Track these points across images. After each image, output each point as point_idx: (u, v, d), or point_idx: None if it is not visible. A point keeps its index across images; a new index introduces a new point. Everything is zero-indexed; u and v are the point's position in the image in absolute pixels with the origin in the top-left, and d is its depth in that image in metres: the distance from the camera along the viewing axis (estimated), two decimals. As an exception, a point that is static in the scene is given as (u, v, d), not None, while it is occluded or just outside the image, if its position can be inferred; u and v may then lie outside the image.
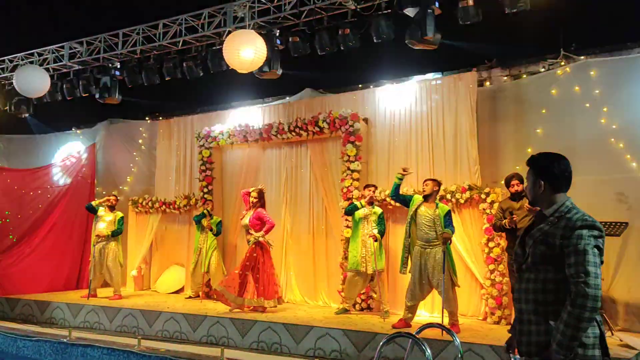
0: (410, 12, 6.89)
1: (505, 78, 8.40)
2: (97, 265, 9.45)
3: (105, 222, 9.51)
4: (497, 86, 8.31)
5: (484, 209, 7.47)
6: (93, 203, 9.85)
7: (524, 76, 8.20)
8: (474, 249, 7.65)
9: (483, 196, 7.48)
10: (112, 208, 9.64)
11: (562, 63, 7.82)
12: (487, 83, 8.41)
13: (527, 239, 2.91)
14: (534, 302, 2.81)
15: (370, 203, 7.92)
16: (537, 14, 6.78)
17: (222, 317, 7.54)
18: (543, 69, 8.07)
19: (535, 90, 7.88)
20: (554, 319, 2.72)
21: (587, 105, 7.41)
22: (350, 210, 7.92)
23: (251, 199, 8.23)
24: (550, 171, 2.90)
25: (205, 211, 9.50)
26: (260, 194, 8.27)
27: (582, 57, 7.64)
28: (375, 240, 7.71)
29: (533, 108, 7.85)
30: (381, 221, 7.88)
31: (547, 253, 2.77)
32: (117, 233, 9.55)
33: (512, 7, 6.53)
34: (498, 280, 7.23)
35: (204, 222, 9.35)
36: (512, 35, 8.02)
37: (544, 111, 7.76)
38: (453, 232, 6.88)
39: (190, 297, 9.48)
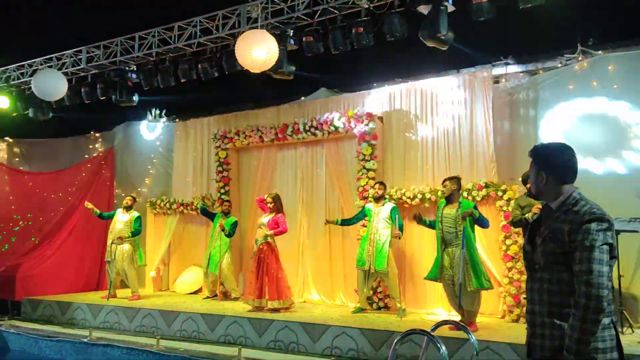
0: (423, 9, 6.86)
1: (522, 74, 8.32)
2: (113, 266, 9.53)
3: (122, 222, 9.60)
4: (514, 83, 8.24)
5: (500, 207, 7.41)
6: (104, 213, 9.94)
7: (541, 72, 8.12)
8: (490, 247, 7.60)
9: (500, 193, 7.42)
10: (128, 209, 9.71)
11: (580, 58, 7.72)
12: (503, 80, 8.34)
13: (536, 237, 2.76)
14: (548, 304, 2.66)
15: (378, 199, 7.87)
16: (553, 8, 6.69)
17: (240, 316, 7.57)
18: (560, 65, 7.98)
19: (552, 86, 7.80)
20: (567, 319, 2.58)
21: (606, 100, 7.31)
22: (357, 218, 8.07)
23: (268, 205, 8.26)
24: (553, 162, 2.73)
25: (202, 203, 9.54)
26: (275, 199, 8.26)
27: (600, 52, 7.54)
28: (399, 238, 7.68)
29: (550, 104, 7.76)
30: (392, 217, 7.70)
31: (558, 251, 2.62)
32: (136, 233, 9.62)
33: (526, 2, 6.47)
34: (516, 278, 7.16)
35: (221, 221, 9.36)
36: (528, 31, 7.94)
37: (561, 107, 7.66)
38: (475, 217, 6.70)
39: (207, 298, 9.54)
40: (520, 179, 7.06)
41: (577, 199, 2.69)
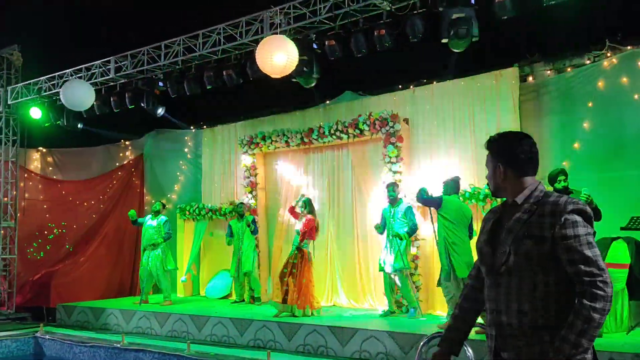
0: (445, 9, 6.81)
1: (549, 72, 8.19)
2: (145, 272, 9.67)
3: (152, 228, 9.72)
4: (541, 81, 8.12)
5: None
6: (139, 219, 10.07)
7: (569, 69, 7.98)
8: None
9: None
10: (157, 213, 9.83)
11: (608, 54, 7.57)
12: (530, 78, 8.23)
13: (503, 235, 2.39)
14: (519, 313, 2.30)
15: (393, 201, 7.80)
16: (578, 4, 6.57)
17: (269, 320, 7.61)
18: (588, 61, 7.83)
19: (580, 84, 7.66)
20: (548, 334, 2.24)
21: (636, 97, 7.16)
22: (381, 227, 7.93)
23: (300, 210, 8.28)
24: (512, 153, 2.43)
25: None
26: (306, 203, 8.27)
27: (629, 47, 7.38)
28: (400, 239, 7.64)
29: (579, 102, 7.63)
30: (407, 217, 7.68)
31: (535, 250, 2.27)
32: (168, 237, 9.76)
33: (550, -2, 6.37)
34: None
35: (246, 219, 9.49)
36: (554, 28, 7.81)
37: (590, 104, 7.53)
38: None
39: (235, 302, 9.60)
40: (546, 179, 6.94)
41: (544, 192, 2.39)
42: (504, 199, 2.52)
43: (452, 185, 7.17)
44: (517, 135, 2.52)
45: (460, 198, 7.41)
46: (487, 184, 2.59)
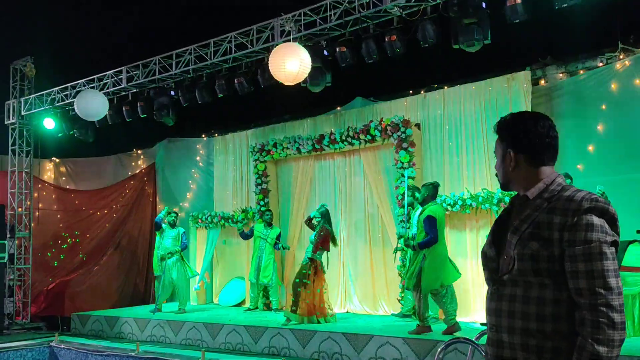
0: (456, 14, 6.80)
1: (561, 75, 8.16)
2: (165, 280, 9.66)
3: (170, 238, 9.74)
4: (553, 84, 8.08)
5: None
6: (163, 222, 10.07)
7: (581, 72, 7.94)
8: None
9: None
10: (173, 224, 9.87)
11: (621, 56, 7.53)
12: (542, 81, 8.19)
13: (508, 235, 2.00)
14: (523, 334, 1.90)
15: (404, 206, 7.48)
16: (590, 6, 6.55)
17: (283, 328, 7.60)
18: (601, 64, 7.79)
19: (593, 86, 7.62)
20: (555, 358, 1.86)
21: (650, 98, 7.11)
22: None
23: (315, 221, 8.24)
24: (526, 137, 2.02)
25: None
26: (323, 214, 8.22)
27: (642, 49, 7.34)
28: (401, 250, 7.57)
29: (592, 104, 7.58)
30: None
31: (542, 255, 1.87)
32: (184, 247, 9.83)
33: (562, 1, 6.34)
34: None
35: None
36: (565, 31, 7.77)
37: (603, 107, 7.48)
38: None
39: (249, 309, 9.58)
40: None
41: (562, 185, 1.98)
42: (515, 192, 2.14)
43: (432, 191, 6.97)
44: (533, 115, 2.11)
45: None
46: (496, 175, 2.18)
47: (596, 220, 1.84)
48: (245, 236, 9.69)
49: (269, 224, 9.47)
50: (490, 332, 2.03)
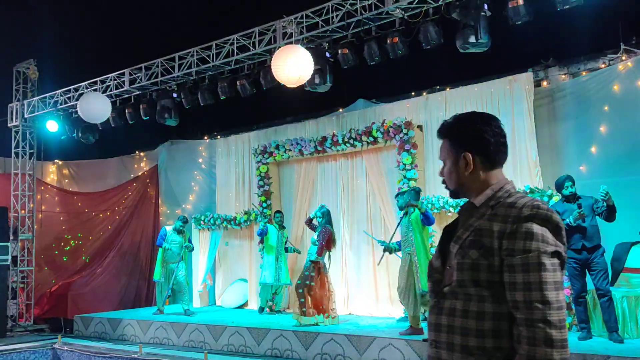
0: (458, 16, 6.80)
1: (564, 76, 8.16)
2: (167, 284, 9.63)
3: (178, 242, 9.72)
4: (555, 85, 8.09)
5: (547, 212, 7.24)
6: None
7: (583, 73, 7.95)
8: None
9: (545, 199, 7.26)
10: (180, 231, 9.82)
11: (623, 58, 7.53)
12: (545, 83, 8.20)
13: (451, 244, 1.88)
14: (463, 351, 1.76)
15: (402, 208, 7.29)
16: (592, 8, 6.55)
17: (286, 330, 7.59)
18: (603, 65, 7.79)
19: (595, 88, 7.62)
20: None
21: (652, 99, 7.11)
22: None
23: (317, 221, 8.22)
24: (482, 137, 1.88)
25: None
26: (324, 214, 8.22)
27: (644, 50, 7.34)
28: (389, 253, 7.61)
29: (594, 106, 7.58)
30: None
31: (482, 264, 1.74)
32: (192, 249, 9.90)
33: (564, 2, 6.34)
34: (566, 285, 6.97)
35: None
36: (568, 32, 7.78)
37: (606, 108, 7.48)
38: None
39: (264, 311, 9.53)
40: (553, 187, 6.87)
41: (510, 192, 1.86)
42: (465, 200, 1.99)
43: (414, 196, 7.13)
44: (486, 115, 1.96)
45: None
46: (443, 182, 2.02)
47: (537, 228, 1.69)
48: (262, 233, 9.56)
49: (282, 226, 9.47)
50: (430, 348, 1.88)
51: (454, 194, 1.98)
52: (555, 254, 1.69)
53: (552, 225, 1.71)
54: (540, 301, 1.63)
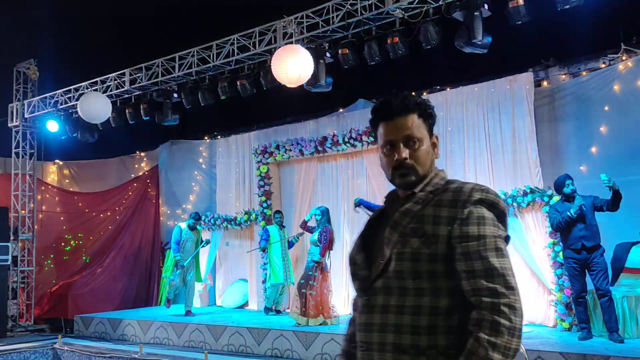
0: (458, 16, 6.80)
1: (564, 76, 8.16)
2: (181, 281, 9.59)
3: (191, 240, 9.72)
4: (556, 85, 8.09)
5: (547, 212, 7.24)
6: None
7: (584, 73, 7.95)
8: (538, 254, 7.42)
9: (546, 199, 7.26)
10: (193, 229, 9.82)
11: (624, 57, 7.53)
12: (545, 83, 8.19)
13: (387, 231, 1.70)
14: (395, 350, 1.62)
15: None
16: (592, 8, 6.55)
17: (286, 330, 7.59)
18: (603, 65, 7.79)
19: (596, 88, 7.62)
20: None
21: (653, 99, 7.11)
22: None
23: (317, 218, 8.21)
24: (435, 120, 1.81)
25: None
26: (324, 212, 8.22)
27: (644, 50, 7.34)
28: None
29: (595, 106, 7.59)
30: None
31: (423, 253, 1.61)
32: (209, 243, 10.04)
33: (565, 2, 6.34)
34: (566, 285, 6.97)
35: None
36: (568, 32, 7.77)
37: (606, 108, 7.49)
38: None
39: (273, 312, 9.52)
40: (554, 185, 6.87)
41: (447, 179, 1.78)
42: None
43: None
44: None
45: None
46: (408, 164, 1.74)
47: (487, 213, 1.62)
48: (265, 236, 9.54)
49: (282, 226, 9.46)
50: (361, 351, 1.71)
51: (413, 184, 1.74)
52: (507, 239, 1.66)
53: (499, 211, 1.66)
54: (505, 286, 1.54)
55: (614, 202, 5.96)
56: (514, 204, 7.44)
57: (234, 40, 8.74)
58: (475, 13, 6.61)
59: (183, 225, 9.82)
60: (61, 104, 10.90)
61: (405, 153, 1.73)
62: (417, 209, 1.68)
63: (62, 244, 12.08)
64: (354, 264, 1.81)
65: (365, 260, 1.78)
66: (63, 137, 11.22)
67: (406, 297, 1.62)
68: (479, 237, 1.59)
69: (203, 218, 10.90)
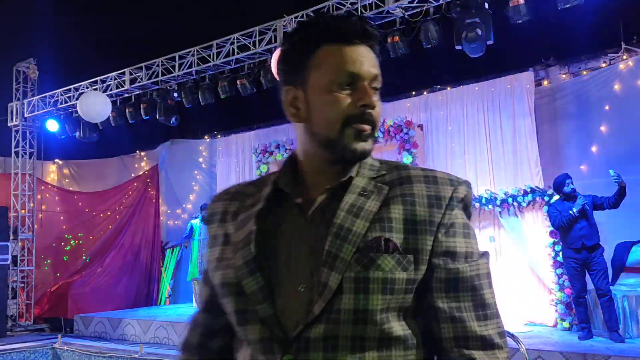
0: (459, 15, 6.79)
1: (564, 76, 8.15)
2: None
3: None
4: (556, 84, 8.08)
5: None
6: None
7: (584, 73, 7.93)
8: (538, 254, 7.41)
9: (546, 198, 7.25)
10: None
11: (624, 57, 7.52)
12: (546, 82, 8.18)
13: (328, 242, 1.06)
14: None
15: None
16: (593, 7, 6.54)
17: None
18: (604, 64, 7.78)
19: (596, 87, 7.61)
20: None
21: (653, 98, 7.10)
22: None
23: None
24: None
25: None
26: None
27: (645, 49, 7.33)
28: None
29: (595, 105, 7.58)
30: None
31: (399, 280, 1.05)
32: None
33: (565, 2, 6.33)
34: (567, 285, 6.96)
35: None
36: (568, 32, 7.77)
37: (607, 108, 7.48)
38: None
39: None
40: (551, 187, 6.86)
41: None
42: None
43: None
44: None
45: None
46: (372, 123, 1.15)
47: (466, 219, 1.13)
48: None
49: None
50: None
51: (366, 155, 1.14)
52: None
53: (470, 213, 1.15)
54: (499, 335, 1.09)
55: (618, 198, 5.97)
56: (514, 203, 7.43)
57: (234, 39, 8.73)
58: (476, 12, 6.60)
59: (195, 221, 9.82)
60: (61, 103, 10.89)
61: (376, 98, 1.15)
62: (369, 206, 1.09)
63: (62, 243, 12.07)
64: (241, 293, 1.09)
65: (265, 285, 1.08)
66: (63, 136, 11.21)
67: (367, 355, 1.03)
68: (467, 255, 1.09)
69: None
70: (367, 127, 1.13)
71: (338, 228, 1.06)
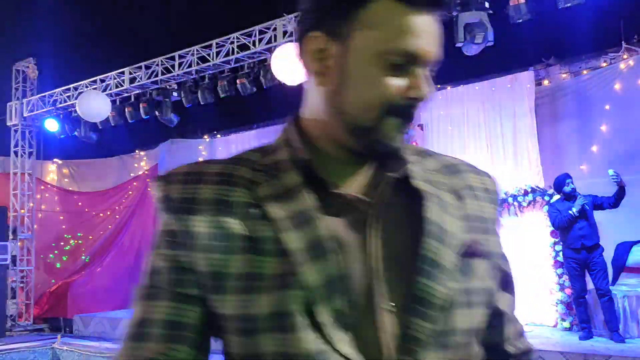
0: (459, 14, 6.78)
1: (565, 75, 8.14)
2: None
3: None
4: (557, 84, 8.07)
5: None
6: None
7: (585, 72, 7.93)
8: (538, 253, 7.39)
9: (547, 198, 7.24)
10: None
11: (625, 56, 7.51)
12: (546, 81, 8.18)
13: (428, 242, 0.83)
14: None
15: None
16: (593, 6, 6.53)
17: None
18: (604, 64, 7.77)
19: (597, 86, 7.60)
20: None
21: (654, 98, 7.09)
22: None
23: None
24: None
25: None
26: None
27: (646, 49, 7.33)
28: None
29: (596, 105, 7.56)
30: None
31: (489, 290, 0.91)
32: None
33: (565, 1, 6.32)
34: (567, 285, 6.95)
35: None
36: (569, 31, 7.77)
37: (607, 107, 7.46)
38: None
39: None
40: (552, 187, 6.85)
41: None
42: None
43: None
44: None
45: None
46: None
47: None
48: None
49: None
50: None
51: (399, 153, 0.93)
52: None
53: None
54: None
55: (618, 198, 5.96)
56: (515, 203, 7.42)
57: (233, 38, 8.71)
58: (477, 11, 6.59)
59: None
60: (60, 103, 10.87)
61: (430, 88, 0.91)
62: (448, 198, 0.92)
63: (62, 243, 12.06)
64: (315, 325, 0.80)
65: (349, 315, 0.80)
66: (62, 136, 11.19)
67: None
68: (502, 255, 0.99)
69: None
70: (410, 123, 0.92)
71: (436, 227, 0.84)
